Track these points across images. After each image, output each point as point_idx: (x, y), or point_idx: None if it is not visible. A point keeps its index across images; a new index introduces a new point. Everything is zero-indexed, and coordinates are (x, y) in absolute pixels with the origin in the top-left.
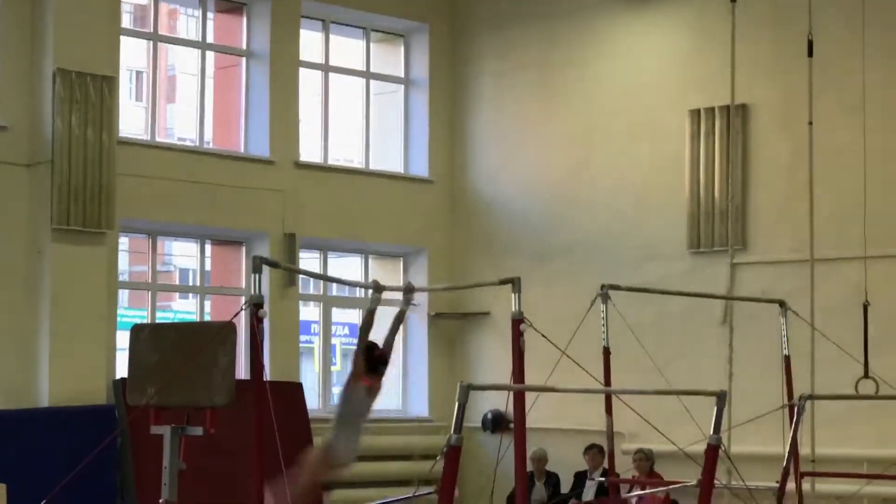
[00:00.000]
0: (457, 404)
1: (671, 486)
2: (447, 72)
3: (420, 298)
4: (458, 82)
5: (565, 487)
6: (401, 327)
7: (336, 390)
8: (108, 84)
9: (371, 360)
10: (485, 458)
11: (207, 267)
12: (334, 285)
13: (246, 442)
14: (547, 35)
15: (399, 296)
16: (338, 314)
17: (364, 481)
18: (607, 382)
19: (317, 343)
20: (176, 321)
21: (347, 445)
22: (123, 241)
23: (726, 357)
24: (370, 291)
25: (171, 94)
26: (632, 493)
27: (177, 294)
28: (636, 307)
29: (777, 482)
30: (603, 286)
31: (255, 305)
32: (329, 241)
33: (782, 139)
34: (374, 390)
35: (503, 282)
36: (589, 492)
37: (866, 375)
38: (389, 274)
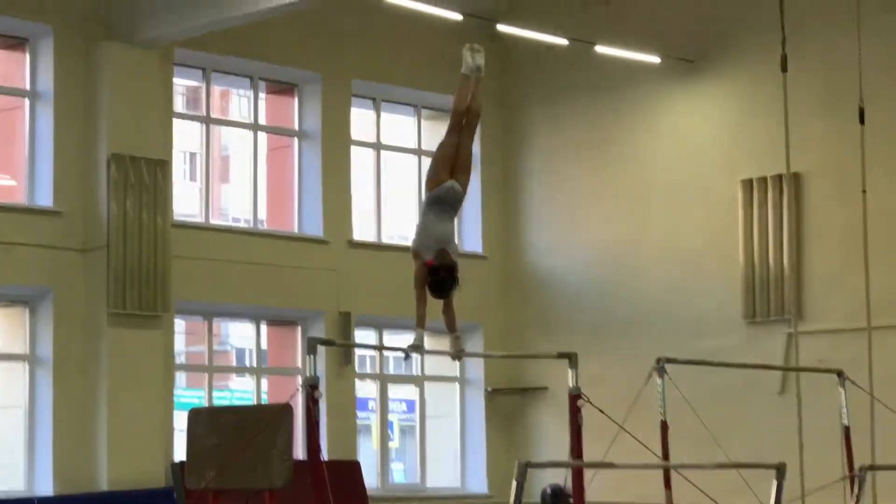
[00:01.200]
0: (514, 482)
1: None
2: (499, 148)
3: (477, 374)
4: (509, 158)
5: None
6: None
7: (395, 466)
8: (161, 168)
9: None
10: None
11: (264, 346)
12: (391, 363)
13: None
14: (597, 108)
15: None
16: (394, 391)
17: None
18: (665, 456)
19: (374, 420)
20: (233, 404)
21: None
22: (179, 323)
23: (785, 429)
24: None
25: (224, 174)
26: None
27: (234, 373)
28: (693, 379)
29: None
30: (659, 359)
31: (311, 387)
32: (384, 318)
33: (836, 207)
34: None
35: (561, 355)
36: None
37: None
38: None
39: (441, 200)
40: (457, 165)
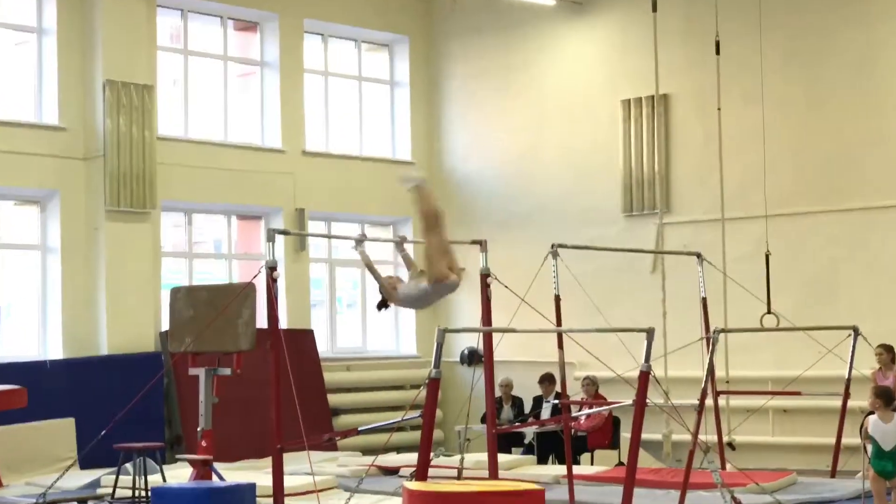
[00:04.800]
0: (436, 344)
1: (612, 406)
2: (424, 74)
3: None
4: (433, 83)
5: (528, 409)
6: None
7: (341, 334)
8: (147, 91)
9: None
10: (463, 386)
11: (234, 237)
12: (339, 249)
13: (268, 378)
14: (504, 43)
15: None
16: (341, 272)
17: (363, 408)
18: (558, 323)
19: (325, 296)
20: (206, 283)
21: (409, 296)
22: (166, 219)
23: (655, 301)
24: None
25: (200, 97)
26: (581, 412)
27: (213, 259)
28: (581, 261)
29: (698, 400)
30: (553, 245)
31: (270, 268)
32: (332, 213)
33: (697, 122)
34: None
35: (473, 242)
36: (545, 412)
37: (769, 312)
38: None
39: (441, 292)
40: (450, 257)
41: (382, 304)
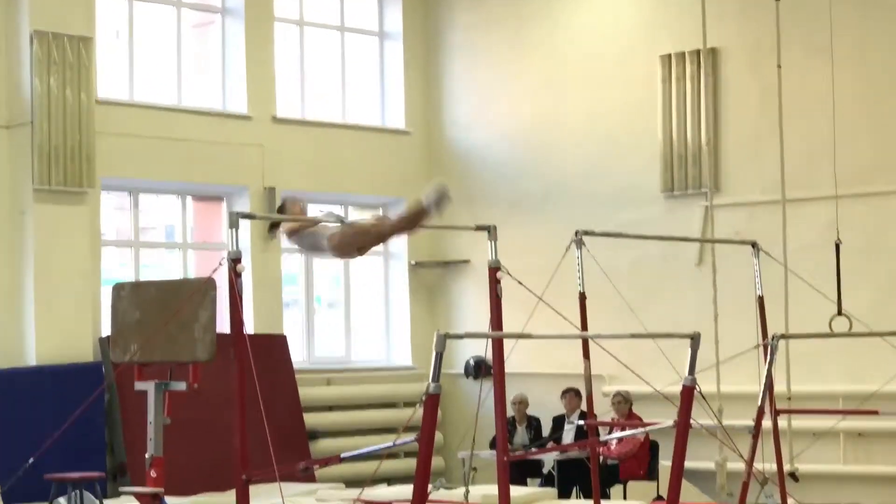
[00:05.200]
0: (434, 353)
1: (650, 428)
2: (420, 24)
3: (400, 247)
4: (431, 34)
5: (547, 431)
6: None
7: (320, 339)
8: (84, 45)
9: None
10: (468, 403)
11: (190, 221)
12: None
13: (230, 395)
14: None
15: None
16: (319, 266)
17: (347, 430)
18: (584, 327)
19: (300, 294)
20: (156, 279)
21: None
22: (107, 200)
23: (702, 300)
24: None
25: (148, 52)
26: (611, 435)
27: (164, 249)
28: (611, 251)
29: (753, 421)
30: (577, 232)
31: (234, 260)
32: (309, 193)
33: (752, 82)
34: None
35: (479, 228)
36: (567, 435)
37: (839, 313)
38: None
39: (321, 252)
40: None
41: (273, 226)
